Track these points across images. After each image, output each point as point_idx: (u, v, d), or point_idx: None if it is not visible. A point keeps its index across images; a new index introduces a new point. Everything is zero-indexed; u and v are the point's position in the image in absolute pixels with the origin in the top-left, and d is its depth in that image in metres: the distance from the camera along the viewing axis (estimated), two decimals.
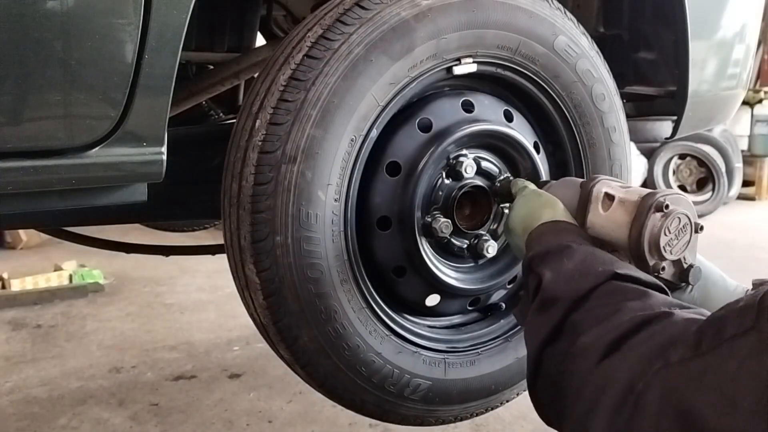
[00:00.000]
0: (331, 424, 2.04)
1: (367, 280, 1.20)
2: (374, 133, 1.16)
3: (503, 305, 1.41)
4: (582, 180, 1.09)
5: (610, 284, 0.82)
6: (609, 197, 1.02)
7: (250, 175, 1.08)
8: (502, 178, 1.28)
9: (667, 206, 0.95)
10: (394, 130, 1.20)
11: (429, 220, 1.23)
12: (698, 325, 0.64)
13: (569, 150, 1.40)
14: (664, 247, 0.95)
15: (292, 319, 1.12)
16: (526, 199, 1.10)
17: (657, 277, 0.95)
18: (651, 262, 0.96)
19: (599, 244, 0.99)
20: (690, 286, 0.99)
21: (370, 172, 1.18)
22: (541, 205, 1.06)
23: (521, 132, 1.31)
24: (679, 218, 0.96)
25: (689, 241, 0.98)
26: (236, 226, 1.11)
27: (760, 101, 6.81)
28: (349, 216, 1.16)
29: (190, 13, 1.02)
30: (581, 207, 1.04)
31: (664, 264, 0.97)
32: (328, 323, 1.13)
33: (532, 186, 1.16)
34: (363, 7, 1.12)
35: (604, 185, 1.04)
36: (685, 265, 0.98)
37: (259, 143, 1.08)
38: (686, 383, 0.59)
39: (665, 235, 0.95)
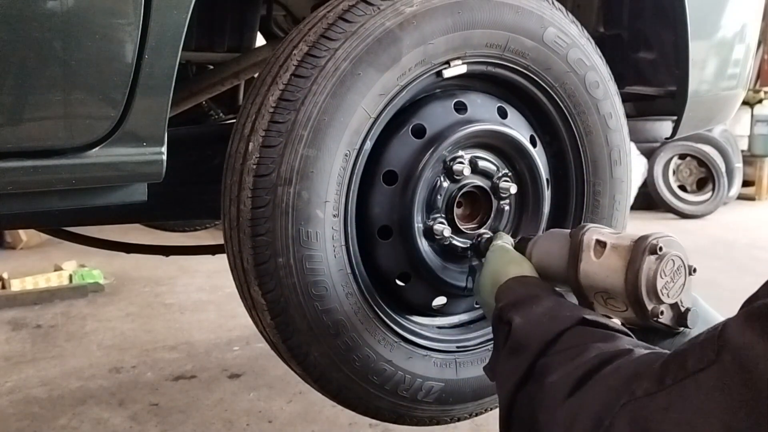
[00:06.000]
0: (331, 424, 2.04)
1: (372, 290, 1.21)
2: (368, 145, 1.16)
3: None
4: (570, 230, 1.08)
5: (577, 328, 0.85)
6: (600, 244, 1.00)
7: (248, 199, 1.08)
8: (484, 235, 1.25)
9: (660, 248, 0.94)
10: (388, 140, 1.20)
11: (429, 224, 1.23)
12: (663, 359, 0.67)
13: (566, 140, 1.40)
14: (661, 290, 0.94)
15: (301, 337, 1.13)
16: (495, 255, 1.12)
17: (656, 321, 0.95)
18: (649, 307, 0.95)
19: (594, 293, 1.00)
20: (689, 330, 0.98)
21: (367, 184, 1.19)
22: (508, 261, 1.09)
23: (516, 128, 1.31)
24: (673, 260, 0.95)
25: (684, 284, 0.97)
26: (238, 249, 1.12)
27: (760, 101, 6.81)
28: (349, 230, 1.16)
29: (190, 13, 1.02)
30: (572, 257, 1.03)
31: (662, 308, 0.95)
32: (337, 337, 1.14)
33: (501, 242, 1.17)
34: (346, 20, 1.11)
35: (595, 233, 1.02)
36: (683, 309, 0.97)
37: (254, 167, 1.08)
38: (652, 416, 0.62)
39: (661, 278, 0.94)
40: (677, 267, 0.96)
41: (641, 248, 0.95)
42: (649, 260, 0.94)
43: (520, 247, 1.15)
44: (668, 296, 0.95)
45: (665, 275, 0.95)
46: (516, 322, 0.90)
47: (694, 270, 0.98)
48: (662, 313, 0.95)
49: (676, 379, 0.62)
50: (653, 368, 0.67)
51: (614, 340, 0.81)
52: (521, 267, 1.07)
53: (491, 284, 1.06)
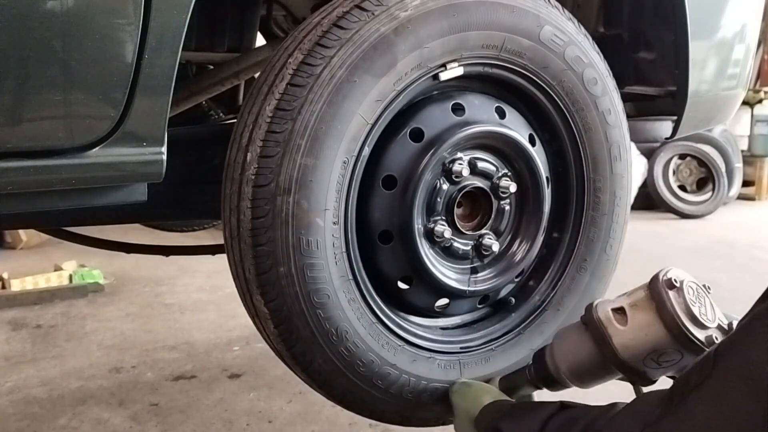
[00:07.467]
0: (331, 424, 2.04)
1: (374, 295, 1.21)
2: (366, 151, 1.16)
3: (513, 299, 1.42)
4: (578, 320, 1.05)
5: (559, 414, 0.91)
6: (618, 311, 0.98)
7: (247, 209, 1.08)
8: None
9: (675, 280, 0.93)
10: (386, 145, 1.20)
11: (430, 227, 1.23)
12: (670, 386, 0.71)
13: (565, 137, 1.39)
14: (700, 316, 0.92)
15: (304, 345, 1.13)
16: (460, 393, 1.19)
17: None
18: (702, 337, 0.91)
19: (643, 359, 0.96)
20: None
21: (366, 190, 1.18)
22: (475, 393, 1.17)
23: (515, 127, 1.31)
24: (691, 286, 0.94)
25: (711, 304, 0.95)
26: (240, 258, 1.12)
27: (760, 101, 6.80)
28: (349, 236, 1.16)
29: (190, 13, 1.02)
30: (600, 339, 0.99)
31: (712, 333, 0.92)
32: (341, 344, 1.14)
33: (461, 381, 1.24)
34: (341, 27, 1.10)
35: (604, 305, 1.00)
36: (727, 327, 0.94)
37: (252, 177, 1.08)
38: None
39: (693, 305, 0.92)
40: (697, 290, 0.94)
41: (659, 289, 0.93)
42: (674, 296, 0.92)
43: (539, 358, 1.13)
44: (708, 320, 0.92)
45: (695, 302, 0.93)
46: (503, 426, 0.98)
47: (709, 288, 0.97)
48: (717, 338, 0.92)
49: (682, 398, 0.65)
50: (662, 395, 0.70)
51: (596, 409, 0.87)
52: (490, 394, 1.14)
53: (468, 420, 1.12)
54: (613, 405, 0.83)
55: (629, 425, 0.73)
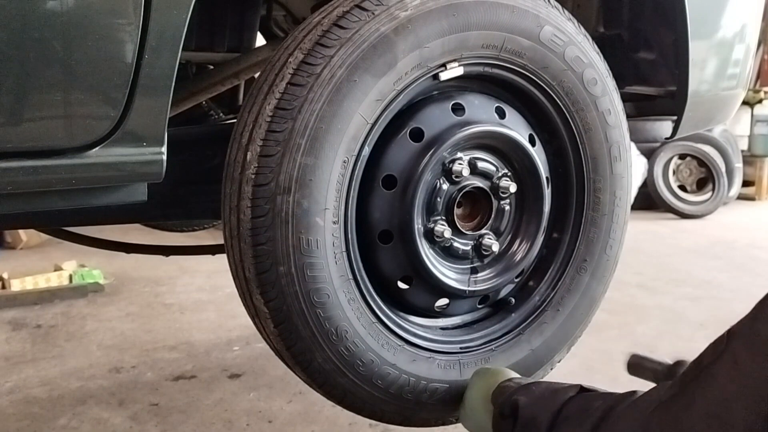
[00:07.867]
0: (331, 424, 2.04)
1: (374, 295, 1.21)
2: (366, 151, 1.16)
3: (513, 299, 1.42)
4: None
5: (579, 396, 0.93)
6: None
7: (247, 209, 1.08)
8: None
9: None
10: (386, 144, 1.20)
11: (430, 226, 1.23)
12: (686, 368, 0.72)
13: (565, 137, 1.39)
14: None
15: (304, 344, 1.13)
16: (477, 376, 1.21)
17: None
18: None
19: None
20: None
21: (366, 189, 1.19)
22: (492, 374, 1.20)
23: (515, 127, 1.31)
24: None
25: None
26: (239, 258, 1.13)
27: (760, 101, 6.80)
28: (349, 236, 1.16)
29: (190, 13, 1.02)
30: None
31: None
32: (340, 343, 1.14)
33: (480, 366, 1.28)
34: (341, 27, 1.11)
35: None
36: None
37: (252, 176, 1.08)
38: (679, 414, 0.66)
39: None
40: None
41: None
42: None
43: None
44: None
45: None
46: (522, 401, 0.99)
47: None
48: None
49: (694, 377, 0.65)
50: (677, 378, 0.70)
51: (615, 395, 0.88)
52: (505, 373, 1.16)
53: (483, 399, 1.14)
54: (632, 392, 0.84)
55: (646, 408, 0.73)
